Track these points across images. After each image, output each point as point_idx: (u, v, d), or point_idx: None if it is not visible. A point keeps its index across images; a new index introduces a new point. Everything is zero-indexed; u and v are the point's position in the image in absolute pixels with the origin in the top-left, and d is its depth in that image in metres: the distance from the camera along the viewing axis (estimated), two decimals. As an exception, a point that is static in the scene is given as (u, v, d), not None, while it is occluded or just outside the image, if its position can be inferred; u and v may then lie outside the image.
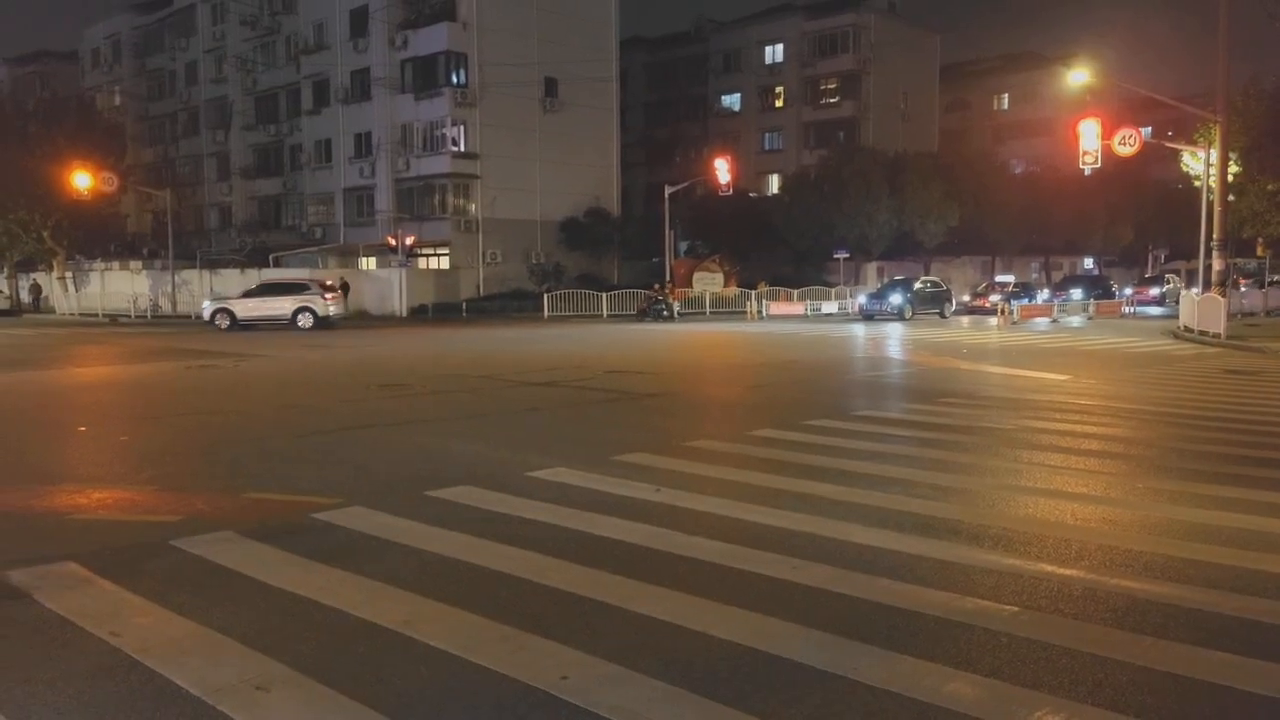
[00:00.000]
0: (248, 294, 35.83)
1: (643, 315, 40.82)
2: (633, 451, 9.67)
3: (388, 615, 5.11)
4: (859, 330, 32.84)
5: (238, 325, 33.95)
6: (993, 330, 32.81)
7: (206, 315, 35.25)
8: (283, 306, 34.25)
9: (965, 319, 40.79)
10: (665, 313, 40.90)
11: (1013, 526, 6.90)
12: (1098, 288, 50.21)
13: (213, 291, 45.51)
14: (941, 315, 40.96)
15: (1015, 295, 45.80)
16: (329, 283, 36.54)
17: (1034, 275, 64.44)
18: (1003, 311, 38.94)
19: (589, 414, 13.20)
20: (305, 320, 33.61)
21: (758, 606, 5.24)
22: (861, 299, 42.78)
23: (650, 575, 5.77)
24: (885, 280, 50.61)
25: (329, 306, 34.12)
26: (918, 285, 42.17)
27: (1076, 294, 48.00)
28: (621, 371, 18.38)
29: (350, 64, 53.84)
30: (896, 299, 39.77)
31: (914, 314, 39.51)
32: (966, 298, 49.41)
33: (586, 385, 16.19)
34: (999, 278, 56.48)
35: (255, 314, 34.30)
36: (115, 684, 4.31)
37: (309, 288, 34.96)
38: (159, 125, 68.09)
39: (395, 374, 18.28)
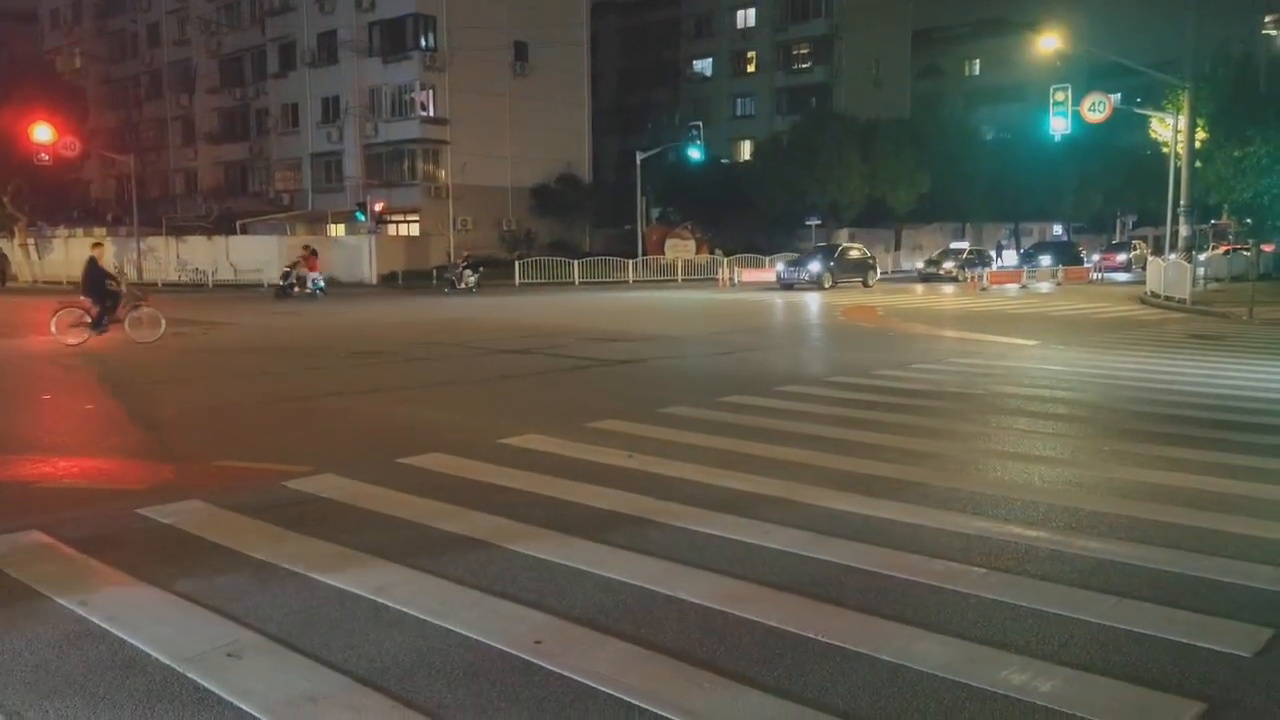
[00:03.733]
0: None
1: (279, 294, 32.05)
2: (605, 418, 9.67)
3: (359, 581, 5.10)
4: (805, 300, 32.91)
5: None
6: (957, 296, 33.00)
7: None
8: None
9: (919, 286, 40.12)
10: (294, 288, 32.69)
11: (981, 489, 6.98)
12: (1066, 254, 49.89)
13: (178, 258, 45.01)
14: (865, 284, 38.76)
15: (970, 262, 44.08)
16: None
17: (1004, 241, 64.77)
18: (972, 279, 39.09)
19: (561, 381, 13.19)
20: None
21: (730, 570, 5.28)
22: (779, 266, 40.26)
23: (622, 540, 5.79)
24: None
25: None
26: (838, 252, 39.82)
27: (1045, 260, 47.78)
28: (594, 339, 18.35)
29: (316, 26, 52.98)
30: (815, 266, 37.69)
31: (835, 282, 37.43)
32: (920, 264, 47.89)
33: (558, 352, 16.16)
34: (954, 244, 54.24)
35: None
36: (84, 653, 4.28)
37: None
38: (121, 88, 66.75)
39: (366, 342, 18.16)
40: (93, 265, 17.77)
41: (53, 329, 17.70)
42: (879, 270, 41.56)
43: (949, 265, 43.76)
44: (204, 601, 4.84)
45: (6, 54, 53.94)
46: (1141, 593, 4.91)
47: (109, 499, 6.87)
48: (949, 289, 37.83)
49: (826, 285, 36.95)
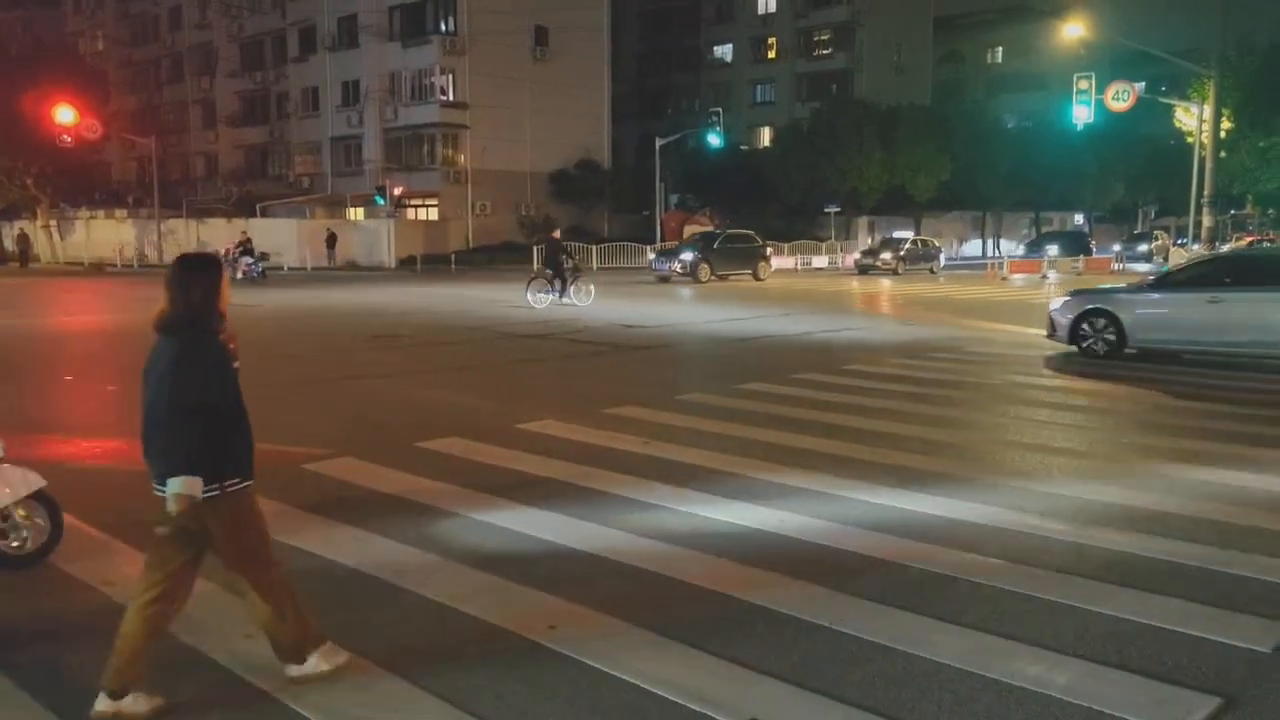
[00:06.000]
0: None
1: None
2: (622, 404, 9.69)
3: (378, 565, 5.14)
4: (801, 286, 32.76)
5: None
6: (973, 286, 32.77)
7: None
8: None
9: (855, 280, 36.58)
10: None
11: (998, 480, 6.95)
12: (1075, 244, 48.15)
13: (199, 241, 45.26)
14: (756, 276, 34.38)
15: (914, 254, 39.87)
16: None
17: (1024, 231, 64.34)
18: (991, 268, 38.71)
19: (578, 366, 13.21)
20: None
21: (745, 558, 5.29)
22: (651, 256, 35.95)
23: (637, 527, 5.81)
24: (878, 237, 49.88)
25: None
26: (720, 240, 34.89)
27: (1052, 250, 45.91)
28: (610, 324, 18.36)
29: (336, 10, 52.98)
30: (687, 256, 33.21)
31: (714, 274, 33.06)
32: (857, 254, 42.34)
33: (575, 338, 16.17)
34: (896, 233, 47.54)
35: None
36: (108, 633, 4.33)
37: None
38: (143, 71, 66.99)
39: (386, 325, 18.23)
40: (554, 244, 23.09)
41: (527, 295, 22.09)
42: (771, 262, 37.00)
43: (887, 257, 39.55)
44: (224, 583, 4.88)
45: (30, 37, 54.19)
46: (1159, 586, 4.89)
47: (130, 479, 6.92)
48: (886, 282, 34.93)
49: (703, 278, 32.59)
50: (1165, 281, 13.98)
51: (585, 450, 7.78)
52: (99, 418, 9.55)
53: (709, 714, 3.62)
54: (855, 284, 33.79)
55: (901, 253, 39.61)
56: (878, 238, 45.24)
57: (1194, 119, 33.52)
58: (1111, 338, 13.41)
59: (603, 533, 5.71)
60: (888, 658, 4.09)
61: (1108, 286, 15.59)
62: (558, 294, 22.14)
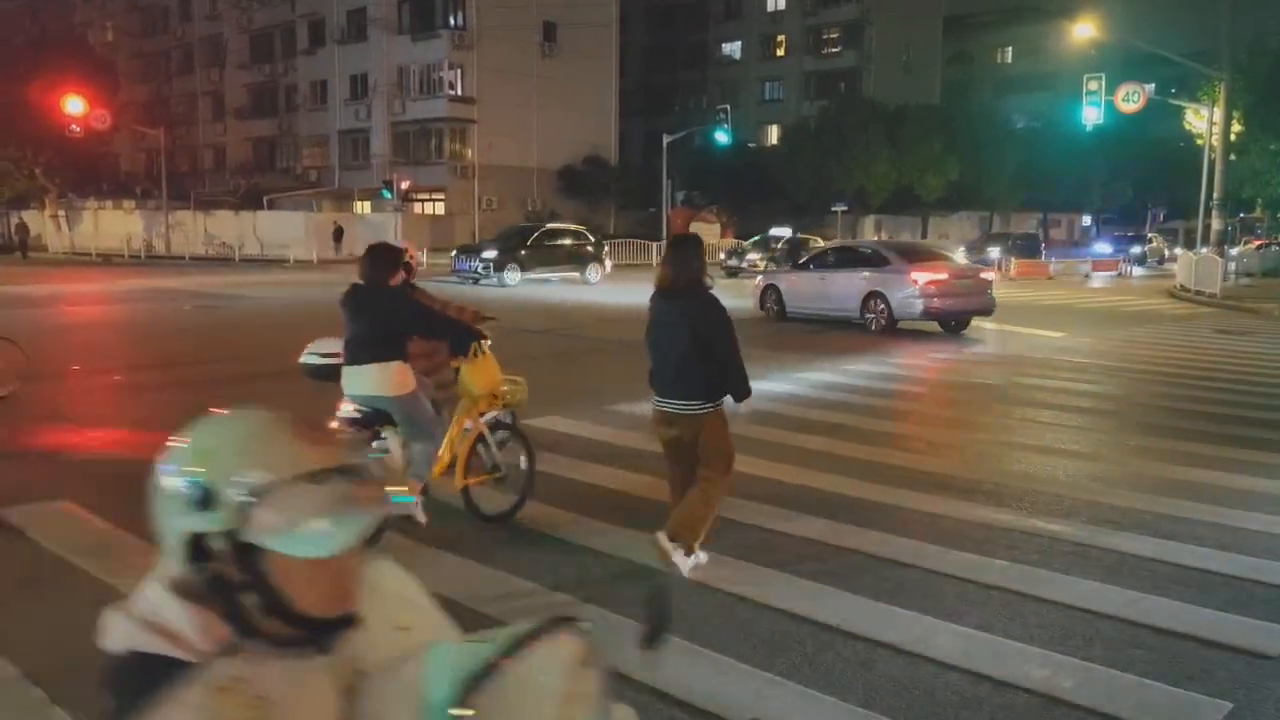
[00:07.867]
0: None
1: None
2: (625, 401, 9.67)
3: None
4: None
5: None
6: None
7: None
8: None
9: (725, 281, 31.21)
10: None
11: (1004, 482, 6.93)
12: (1026, 248, 42.39)
13: (206, 233, 45.38)
14: (584, 279, 29.96)
15: (787, 255, 32.03)
16: None
17: (1032, 231, 64.18)
18: (999, 266, 38.28)
19: (582, 362, 13.19)
20: None
21: (749, 556, 5.28)
22: (454, 253, 31.25)
23: (642, 524, 5.78)
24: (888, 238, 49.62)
25: None
26: (535, 237, 30.05)
27: (993, 253, 39.52)
28: (614, 320, 18.34)
29: (346, 3, 53.06)
30: (489, 254, 28.44)
31: (526, 275, 28.54)
32: (723, 255, 37.80)
33: (579, 334, 16.16)
34: (773, 231, 41.01)
35: None
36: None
37: None
38: (152, 62, 67.07)
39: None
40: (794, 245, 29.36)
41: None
42: (606, 263, 31.81)
43: (754, 258, 34.40)
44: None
45: (39, 27, 54.28)
46: (1165, 589, 4.88)
47: (135, 469, 6.92)
48: (749, 284, 29.89)
49: (511, 282, 27.73)
50: (804, 264, 19.45)
51: (590, 446, 7.77)
52: (106, 407, 9.56)
53: (712, 713, 3.61)
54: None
55: (774, 254, 33.63)
56: (751, 238, 39.62)
57: (1204, 121, 33.36)
58: (777, 307, 18.61)
59: (606, 528, 5.70)
60: (894, 657, 4.08)
61: (782, 269, 21.56)
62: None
